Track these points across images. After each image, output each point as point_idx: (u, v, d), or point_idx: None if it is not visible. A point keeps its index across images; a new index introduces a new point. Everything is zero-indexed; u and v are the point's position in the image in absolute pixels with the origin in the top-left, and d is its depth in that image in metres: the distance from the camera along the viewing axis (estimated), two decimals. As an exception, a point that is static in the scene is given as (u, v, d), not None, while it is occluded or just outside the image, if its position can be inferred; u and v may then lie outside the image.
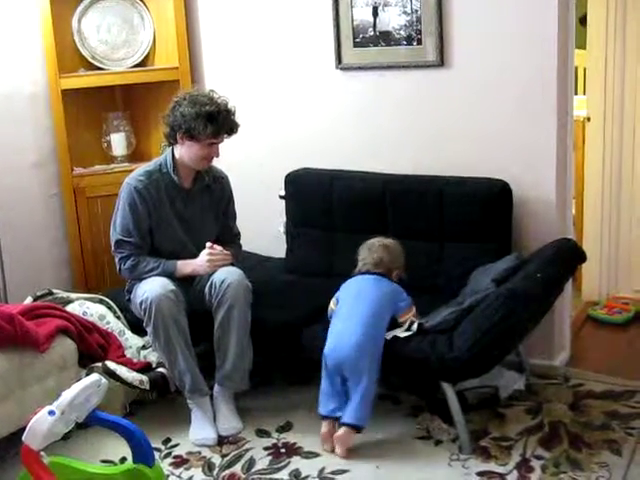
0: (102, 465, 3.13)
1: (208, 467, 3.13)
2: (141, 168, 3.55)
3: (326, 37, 3.92)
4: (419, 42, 3.69)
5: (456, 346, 2.99)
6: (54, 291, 3.67)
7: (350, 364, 3.09)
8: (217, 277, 3.39)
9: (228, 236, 3.68)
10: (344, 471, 3.03)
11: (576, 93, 4.11)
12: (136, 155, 4.50)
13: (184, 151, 3.43)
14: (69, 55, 4.23)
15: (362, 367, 3.08)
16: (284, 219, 4.06)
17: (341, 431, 3.11)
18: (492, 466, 3.00)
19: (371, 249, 3.36)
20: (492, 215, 3.51)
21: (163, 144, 4.32)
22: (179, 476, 3.08)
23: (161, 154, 3.71)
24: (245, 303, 3.37)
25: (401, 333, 3.13)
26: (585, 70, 4.70)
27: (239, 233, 3.76)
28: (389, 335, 3.12)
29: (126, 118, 4.48)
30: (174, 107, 3.41)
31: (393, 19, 3.73)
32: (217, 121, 3.35)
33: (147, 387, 3.33)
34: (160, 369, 3.40)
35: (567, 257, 3.45)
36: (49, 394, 3.00)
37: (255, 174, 4.21)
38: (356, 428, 3.10)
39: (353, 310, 3.19)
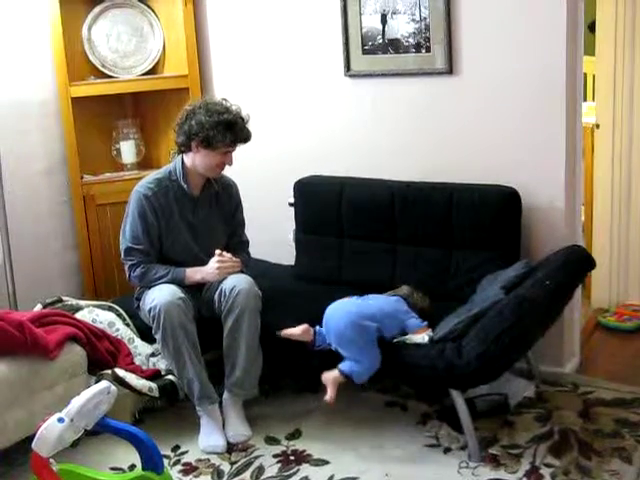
0: (111, 472, 3.14)
1: (217, 474, 3.12)
2: (150, 176, 3.56)
3: (335, 44, 3.93)
4: (428, 50, 3.70)
5: (465, 353, 2.98)
6: (64, 298, 3.68)
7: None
8: (227, 284, 3.39)
9: (237, 244, 3.68)
10: (353, 479, 3.02)
11: (585, 100, 4.11)
12: (145, 163, 4.51)
13: (198, 159, 3.44)
14: (79, 63, 4.25)
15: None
16: (293, 226, 4.06)
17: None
18: (502, 474, 2.99)
19: (415, 291, 3.39)
20: (501, 222, 3.50)
21: (172, 152, 4.33)
22: (188, 483, 3.08)
23: (170, 162, 3.72)
24: (255, 310, 3.38)
25: (414, 338, 3.13)
26: (594, 77, 4.69)
27: (248, 241, 3.76)
28: (403, 338, 3.14)
29: (136, 126, 4.50)
30: (188, 116, 3.41)
31: (402, 27, 3.74)
32: (235, 130, 3.37)
33: (156, 394, 3.33)
34: (169, 376, 3.40)
35: (576, 264, 3.44)
36: (58, 401, 3.01)
37: (264, 181, 4.22)
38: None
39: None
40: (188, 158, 3.48)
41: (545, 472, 2.98)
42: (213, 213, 3.60)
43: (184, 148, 3.45)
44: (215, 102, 3.45)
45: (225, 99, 3.48)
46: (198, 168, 3.46)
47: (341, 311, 3.21)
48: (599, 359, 3.99)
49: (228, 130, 3.36)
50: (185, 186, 3.50)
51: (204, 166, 3.45)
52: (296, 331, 3.23)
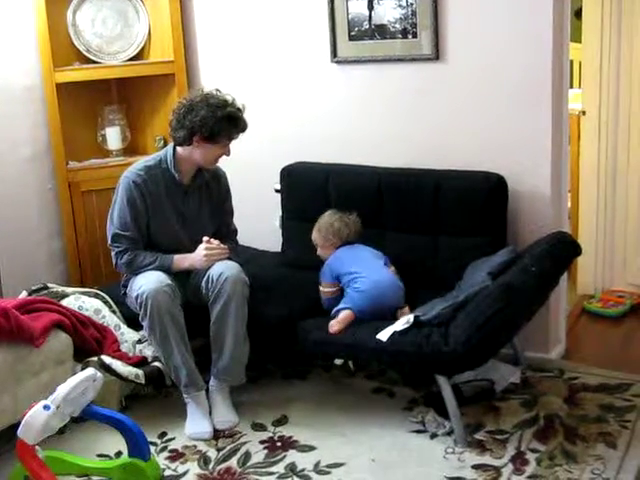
0: (98, 459, 3.14)
1: (204, 461, 3.13)
2: (140, 162, 3.54)
3: (321, 30, 3.91)
4: (414, 35, 3.69)
5: (451, 339, 2.99)
6: (49, 285, 3.67)
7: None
8: (214, 271, 3.39)
9: (225, 233, 3.67)
10: (340, 464, 3.03)
11: (571, 87, 4.11)
12: (131, 149, 4.49)
13: (198, 152, 3.41)
14: (64, 48, 4.21)
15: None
16: (280, 213, 4.05)
17: None
18: (487, 459, 3.01)
19: (344, 223, 3.59)
20: (487, 208, 3.50)
21: (158, 138, 4.32)
22: (175, 470, 3.08)
23: (157, 148, 3.69)
24: (242, 297, 3.37)
25: (399, 327, 3.13)
26: (580, 64, 4.70)
27: (236, 230, 3.76)
28: (387, 333, 3.12)
29: (121, 112, 4.46)
30: (188, 111, 3.36)
31: (388, 12, 3.72)
32: (237, 122, 3.38)
33: (143, 381, 3.33)
34: (156, 363, 3.40)
35: (562, 250, 3.45)
36: (44, 388, 3.00)
37: (250, 168, 4.20)
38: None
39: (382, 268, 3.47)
40: (184, 150, 3.44)
41: (530, 457, 3.00)
42: (202, 202, 3.59)
43: (183, 142, 3.42)
44: (212, 95, 3.41)
45: (218, 90, 3.45)
46: (197, 160, 3.45)
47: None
48: (584, 345, 4.02)
49: (232, 124, 3.36)
50: (176, 175, 3.48)
51: (204, 159, 3.44)
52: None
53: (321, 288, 3.51)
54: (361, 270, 3.39)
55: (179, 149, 3.47)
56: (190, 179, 3.55)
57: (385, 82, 3.83)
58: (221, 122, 3.33)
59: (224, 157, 3.49)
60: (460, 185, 3.57)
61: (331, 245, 3.57)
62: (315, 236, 3.62)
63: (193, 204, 3.57)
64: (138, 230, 3.45)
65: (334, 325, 3.24)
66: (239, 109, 3.41)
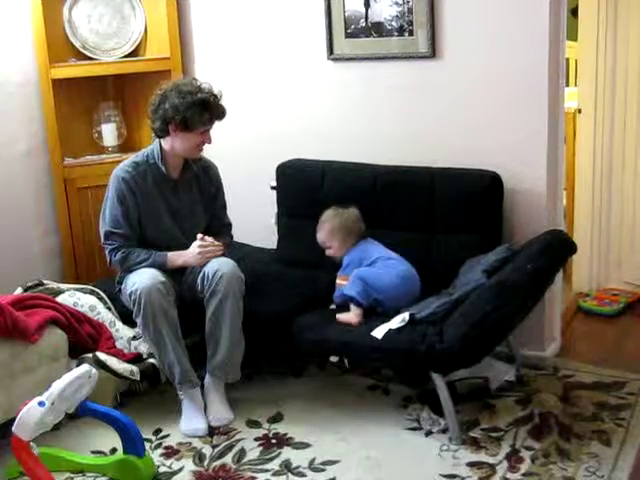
0: (93, 456, 3.14)
1: (199, 458, 3.13)
2: (128, 159, 3.54)
3: (318, 28, 3.91)
4: (411, 33, 3.69)
5: (447, 337, 2.99)
6: (44, 282, 3.66)
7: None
8: (210, 268, 3.38)
9: (218, 227, 3.67)
10: (334, 462, 3.03)
11: (567, 85, 4.11)
12: (127, 145, 4.49)
13: (177, 142, 3.42)
14: (60, 45, 4.21)
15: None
16: (275, 210, 4.05)
17: None
18: (482, 456, 3.01)
19: (358, 220, 3.56)
20: (483, 206, 3.51)
21: (153, 135, 4.31)
22: (170, 467, 3.07)
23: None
24: (238, 294, 3.37)
25: (394, 325, 3.13)
26: (576, 62, 4.70)
27: (230, 224, 3.75)
28: (382, 330, 3.12)
29: (117, 108, 4.46)
30: (161, 100, 3.38)
31: (385, 10, 3.72)
32: (210, 108, 3.37)
33: (137, 378, 3.33)
34: (150, 360, 3.39)
35: (557, 248, 3.45)
36: (39, 385, 3.00)
37: (246, 165, 4.20)
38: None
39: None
40: (166, 142, 3.45)
41: (525, 455, 3.00)
42: (194, 196, 3.59)
43: (161, 133, 3.43)
44: (185, 82, 3.44)
45: (195, 79, 3.47)
46: (178, 151, 3.45)
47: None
48: (579, 343, 4.02)
49: (204, 109, 3.35)
50: (163, 169, 3.48)
51: (184, 148, 3.44)
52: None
53: (340, 281, 3.45)
54: (393, 256, 3.44)
55: (164, 143, 3.47)
56: (179, 173, 3.54)
57: (381, 80, 3.83)
58: (192, 108, 3.32)
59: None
60: (456, 183, 3.57)
61: (348, 244, 3.51)
62: (327, 238, 3.54)
63: (184, 198, 3.56)
64: (130, 227, 3.45)
65: (341, 318, 3.27)
66: (214, 95, 3.40)
